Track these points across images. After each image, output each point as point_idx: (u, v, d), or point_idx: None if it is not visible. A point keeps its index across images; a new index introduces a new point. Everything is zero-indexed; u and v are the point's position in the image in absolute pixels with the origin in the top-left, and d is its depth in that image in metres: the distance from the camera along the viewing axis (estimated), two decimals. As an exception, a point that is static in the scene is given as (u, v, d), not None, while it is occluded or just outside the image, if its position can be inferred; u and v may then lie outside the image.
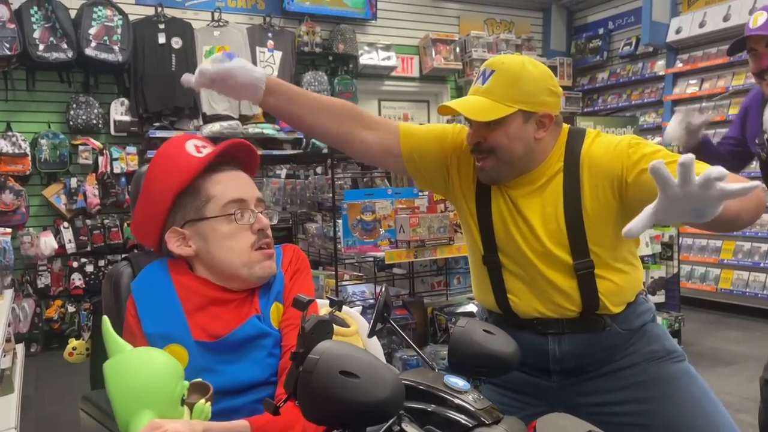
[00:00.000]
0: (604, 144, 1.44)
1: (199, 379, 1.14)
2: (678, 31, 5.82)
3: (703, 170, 0.97)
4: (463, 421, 1.03)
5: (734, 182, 0.98)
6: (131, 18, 4.93)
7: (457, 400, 1.05)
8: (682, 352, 1.56)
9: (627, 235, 1.03)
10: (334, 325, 1.38)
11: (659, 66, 6.18)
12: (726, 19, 5.43)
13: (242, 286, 1.28)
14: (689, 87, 5.83)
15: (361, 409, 0.84)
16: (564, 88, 6.92)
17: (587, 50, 7.00)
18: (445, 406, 1.07)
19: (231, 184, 1.29)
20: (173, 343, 1.20)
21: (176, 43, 5.08)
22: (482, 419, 1.02)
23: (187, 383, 1.09)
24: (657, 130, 6.08)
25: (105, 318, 1.08)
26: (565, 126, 1.51)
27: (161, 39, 5.02)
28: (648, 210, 1.02)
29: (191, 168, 1.28)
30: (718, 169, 0.95)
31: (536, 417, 1.69)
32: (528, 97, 1.41)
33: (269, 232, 1.32)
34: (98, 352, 1.55)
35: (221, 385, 1.19)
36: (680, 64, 5.90)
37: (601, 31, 6.89)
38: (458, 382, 1.08)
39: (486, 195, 1.52)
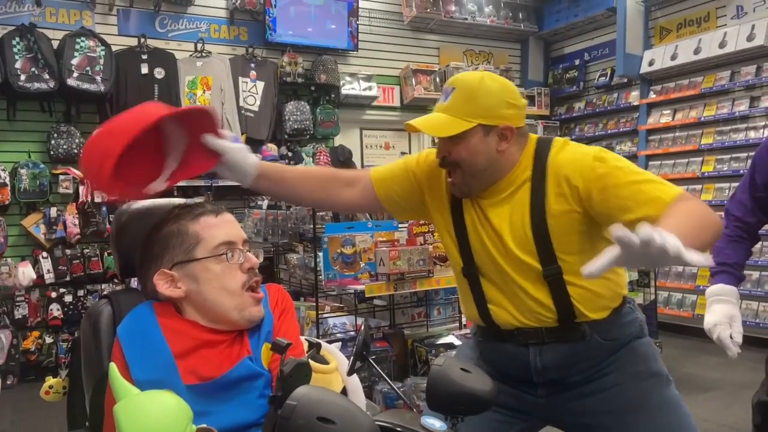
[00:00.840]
0: (571, 152, 1.48)
1: (204, 425, 1.14)
2: (651, 63, 5.99)
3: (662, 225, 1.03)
4: (439, 462, 1.06)
5: (684, 235, 1.04)
6: (114, 48, 4.96)
7: (432, 441, 1.07)
8: (668, 375, 1.57)
9: (586, 275, 1.07)
10: (314, 362, 1.41)
11: (633, 96, 6.33)
12: (696, 51, 5.59)
13: (231, 327, 1.29)
14: (663, 117, 5.97)
15: (338, 454, 0.86)
16: (542, 117, 7.06)
17: (564, 80, 7.16)
18: (421, 446, 1.09)
19: (221, 227, 1.32)
20: (163, 389, 1.20)
21: (159, 73, 5.11)
22: (457, 460, 1.05)
23: (194, 427, 1.09)
24: (632, 158, 6.20)
25: (112, 365, 1.07)
26: (533, 136, 1.55)
27: (144, 69, 5.06)
28: (608, 255, 1.05)
29: (160, 111, 1.32)
30: (674, 244, 1.01)
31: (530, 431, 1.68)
32: (487, 111, 1.45)
33: (257, 270, 1.34)
34: (75, 391, 1.54)
35: (213, 426, 1.19)
36: (653, 95, 6.06)
37: (577, 62, 7.05)
38: (435, 423, 1.11)
39: (459, 208, 1.57)
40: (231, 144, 1.50)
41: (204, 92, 5.32)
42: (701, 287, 5.40)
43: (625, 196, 1.37)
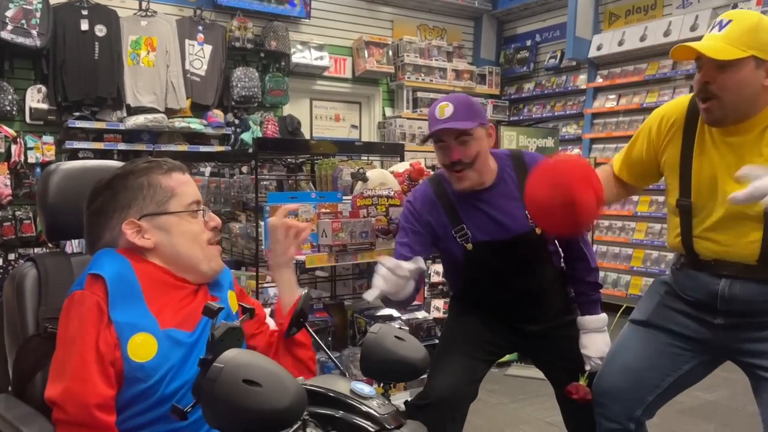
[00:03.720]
0: None
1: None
2: (599, 48, 6.10)
3: None
4: (367, 427, 1.07)
5: None
6: (52, 2, 4.73)
7: (362, 407, 1.09)
8: None
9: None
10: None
11: (581, 80, 6.45)
12: (642, 39, 5.73)
13: (196, 279, 1.34)
14: (608, 101, 6.12)
15: (263, 416, 0.86)
16: (492, 96, 7.12)
17: (515, 61, 7.23)
18: (351, 412, 1.10)
19: (190, 185, 1.38)
20: (142, 332, 1.21)
21: (100, 30, 4.90)
22: (385, 424, 1.07)
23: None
24: (577, 141, 6.35)
25: None
26: None
27: (84, 26, 4.83)
28: None
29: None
30: None
31: (697, 371, 1.81)
32: (762, 45, 1.54)
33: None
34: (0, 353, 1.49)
35: (191, 375, 1.21)
36: (600, 80, 6.19)
37: (528, 42, 7.12)
38: (364, 388, 1.12)
39: (690, 142, 1.70)
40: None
41: (148, 53, 5.13)
42: (635, 268, 5.61)
43: None
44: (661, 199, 5.56)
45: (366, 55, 6.44)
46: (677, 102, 1.80)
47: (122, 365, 1.18)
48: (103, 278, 1.21)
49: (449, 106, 1.84)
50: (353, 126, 6.92)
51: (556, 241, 2.02)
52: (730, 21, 1.57)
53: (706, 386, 2.09)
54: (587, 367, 1.94)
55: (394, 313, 2.71)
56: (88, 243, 1.36)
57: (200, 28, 5.46)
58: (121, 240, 1.30)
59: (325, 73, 6.36)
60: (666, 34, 5.54)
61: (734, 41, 1.54)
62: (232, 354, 0.90)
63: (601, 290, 2.04)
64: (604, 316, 2.00)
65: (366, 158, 3.09)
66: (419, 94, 6.71)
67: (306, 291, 1.38)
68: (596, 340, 1.94)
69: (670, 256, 5.36)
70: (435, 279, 4.08)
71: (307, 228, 1.55)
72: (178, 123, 5.23)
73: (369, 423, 1.08)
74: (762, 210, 1.50)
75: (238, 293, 1.48)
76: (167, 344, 1.22)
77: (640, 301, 1.93)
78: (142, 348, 1.19)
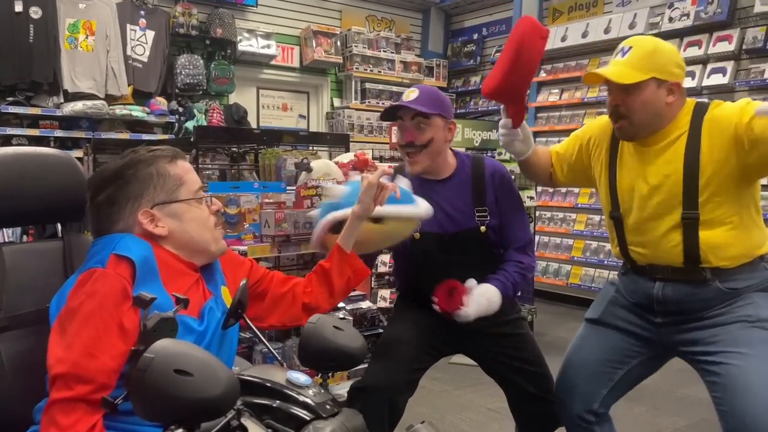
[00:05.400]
0: (725, 109, 1.71)
1: None
2: (543, 43, 6.23)
3: None
4: (302, 415, 1.09)
5: None
6: (-18, -19, 4.52)
7: (297, 395, 1.10)
8: None
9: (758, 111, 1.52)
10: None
11: (526, 74, 6.56)
12: (584, 35, 5.88)
13: (206, 260, 1.41)
14: (551, 96, 6.26)
15: (195, 406, 0.86)
16: (439, 89, 7.17)
17: (462, 54, 7.31)
18: (287, 401, 1.12)
19: (194, 172, 1.43)
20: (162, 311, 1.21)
21: (35, 12, 4.71)
22: (320, 413, 1.08)
23: None
24: (522, 134, 6.47)
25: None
26: (691, 99, 1.79)
27: (18, 7, 4.65)
28: None
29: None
30: None
31: (646, 365, 1.93)
32: (661, 67, 1.71)
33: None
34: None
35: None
36: (544, 74, 6.32)
37: (475, 36, 7.21)
38: (300, 377, 1.13)
39: (615, 157, 1.87)
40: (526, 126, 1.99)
41: (87, 37, 4.97)
42: (575, 258, 5.78)
43: None
44: (600, 191, 5.74)
45: (314, 45, 6.40)
46: (601, 122, 1.95)
47: None
48: (131, 260, 1.23)
49: (416, 92, 1.96)
50: (301, 116, 6.88)
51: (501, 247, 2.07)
52: (630, 47, 1.74)
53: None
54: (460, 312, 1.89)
55: (340, 303, 2.72)
56: (96, 232, 1.36)
57: (142, 12, 5.31)
58: (136, 229, 1.32)
59: (273, 62, 6.29)
60: (606, 31, 5.70)
61: (635, 66, 1.71)
62: (162, 344, 0.90)
63: (521, 276, 2.00)
64: (495, 292, 1.92)
65: (311, 149, 3.08)
66: (368, 85, 6.71)
67: (244, 282, 1.38)
68: (479, 300, 1.89)
69: (608, 246, 5.57)
70: (382, 269, 4.12)
71: (392, 188, 1.69)
72: (119, 110, 5.08)
73: (304, 412, 1.09)
74: (676, 215, 1.72)
75: (228, 260, 1.53)
76: (181, 330, 1.22)
77: (594, 301, 2.06)
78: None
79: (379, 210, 1.70)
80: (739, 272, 1.73)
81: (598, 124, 1.97)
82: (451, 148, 2.06)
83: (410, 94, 1.96)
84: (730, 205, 1.71)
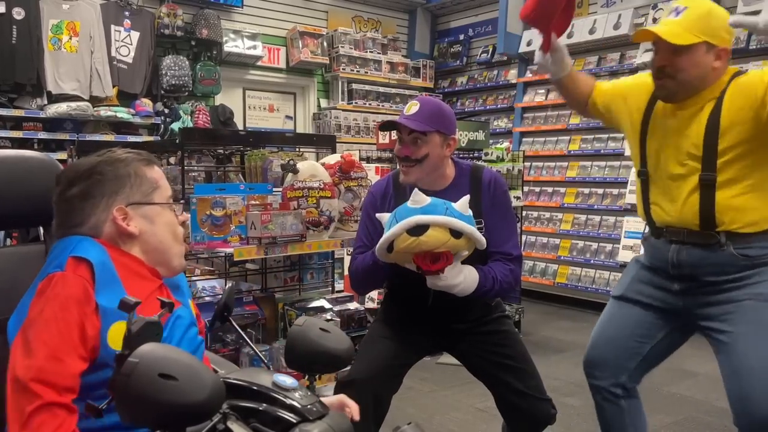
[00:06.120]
0: (751, 75, 1.77)
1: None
2: (529, 44, 6.26)
3: None
4: (289, 418, 1.08)
5: None
6: (-36, -18, 4.47)
7: (283, 398, 1.09)
8: None
9: (731, 22, 1.56)
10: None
11: (512, 74, 6.60)
12: (569, 36, 5.86)
13: (165, 273, 1.37)
14: (537, 96, 6.29)
15: (180, 410, 0.86)
16: (426, 89, 7.20)
17: (449, 54, 7.33)
18: (273, 404, 1.11)
19: (166, 180, 1.41)
20: (122, 320, 1.16)
21: (18, 13, 4.67)
22: (306, 415, 1.08)
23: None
24: (508, 134, 6.50)
25: None
26: (732, 68, 1.82)
27: (0, 8, 4.60)
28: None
29: None
30: None
31: (672, 338, 1.99)
32: (713, 32, 1.73)
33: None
34: None
35: None
36: (530, 74, 6.35)
37: (461, 37, 7.23)
38: (286, 380, 1.13)
39: (648, 116, 1.90)
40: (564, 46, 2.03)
41: (71, 38, 4.92)
42: (562, 257, 5.82)
43: None
44: (586, 191, 5.78)
45: (300, 46, 6.38)
46: (639, 80, 2.02)
47: (99, 352, 1.17)
48: (89, 262, 1.21)
49: (416, 106, 1.95)
50: (288, 117, 6.86)
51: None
52: (685, 8, 1.74)
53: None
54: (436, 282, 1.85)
55: (326, 305, 2.73)
56: (63, 227, 1.32)
57: (127, 13, 5.27)
58: (107, 225, 1.30)
59: (259, 63, 6.27)
60: (591, 31, 5.74)
61: (689, 27, 1.71)
62: (147, 348, 0.89)
63: (504, 277, 1.96)
64: (474, 277, 1.89)
65: (297, 150, 3.07)
66: (354, 86, 6.71)
67: (231, 284, 1.38)
68: (456, 274, 1.84)
69: (594, 245, 5.62)
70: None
71: None
72: (104, 112, 5.05)
73: (291, 414, 1.08)
74: (695, 176, 1.77)
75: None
76: None
77: (619, 279, 2.14)
78: (121, 336, 1.18)
79: (462, 226, 1.72)
80: (755, 239, 1.77)
81: (636, 83, 2.01)
82: (451, 157, 2.06)
83: (411, 108, 1.96)
84: (750, 170, 1.75)
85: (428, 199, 1.79)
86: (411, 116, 1.93)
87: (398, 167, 2.05)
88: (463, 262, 1.97)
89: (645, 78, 1.97)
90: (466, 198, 1.81)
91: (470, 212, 1.82)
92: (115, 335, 1.18)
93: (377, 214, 1.92)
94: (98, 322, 1.17)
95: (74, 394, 1.12)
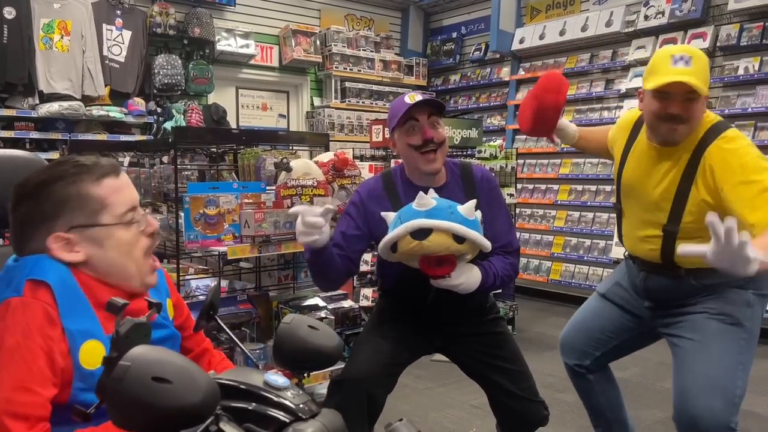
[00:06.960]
0: (729, 157, 1.79)
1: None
2: (521, 41, 6.27)
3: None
4: (282, 417, 1.08)
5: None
6: (-47, -19, 4.44)
7: (276, 398, 1.09)
8: (741, 321, 1.89)
9: (680, 253, 1.51)
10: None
11: (505, 72, 6.61)
12: (562, 33, 5.93)
13: (129, 292, 1.26)
14: (530, 93, 6.29)
15: (175, 414, 0.85)
16: (419, 87, 7.20)
17: (442, 52, 7.33)
18: (265, 403, 1.11)
19: (124, 190, 1.26)
20: (92, 339, 1.16)
21: (9, 13, 4.64)
22: (299, 414, 1.08)
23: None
24: (501, 132, 6.52)
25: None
26: (710, 117, 1.91)
27: (-9, 7, 4.57)
28: (703, 248, 1.44)
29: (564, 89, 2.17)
30: (746, 241, 1.35)
31: (637, 340, 2.21)
32: (708, 82, 1.85)
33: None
34: None
35: None
36: (523, 72, 6.36)
37: (454, 35, 7.23)
38: (278, 379, 1.13)
39: (626, 155, 2.04)
40: (565, 121, 2.28)
41: (62, 38, 4.90)
42: (555, 254, 5.83)
43: (745, 197, 1.71)
44: (579, 188, 5.80)
45: (293, 44, 6.37)
46: (622, 123, 2.15)
47: (72, 374, 1.13)
48: (47, 284, 1.14)
49: (418, 94, 1.98)
50: (281, 115, 6.85)
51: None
52: (691, 57, 1.81)
53: (619, 365, 2.28)
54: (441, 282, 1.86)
55: (320, 302, 2.72)
56: (16, 247, 1.26)
57: (118, 12, 5.25)
58: (49, 253, 1.21)
59: (252, 62, 6.25)
60: (584, 29, 5.75)
61: (703, 78, 1.81)
62: (139, 351, 0.88)
63: (505, 272, 1.99)
64: (477, 274, 1.90)
65: (291, 148, 3.07)
66: (347, 84, 6.70)
67: (215, 284, 1.37)
68: (461, 273, 1.85)
69: (588, 242, 5.64)
70: (364, 268, 4.12)
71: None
72: (96, 111, 5.03)
73: (283, 413, 1.08)
74: (659, 225, 1.91)
75: (174, 301, 1.44)
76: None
77: (607, 277, 2.36)
78: (93, 355, 1.15)
79: (465, 231, 1.74)
80: (714, 272, 1.75)
81: (620, 125, 2.16)
82: None
83: (414, 96, 1.96)
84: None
85: (433, 202, 1.79)
86: (422, 101, 1.94)
87: (412, 158, 1.96)
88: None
89: (627, 117, 2.12)
90: (473, 202, 1.81)
91: (476, 216, 1.81)
92: (87, 355, 1.14)
93: (382, 213, 1.90)
94: (65, 344, 1.13)
95: (46, 422, 1.08)
